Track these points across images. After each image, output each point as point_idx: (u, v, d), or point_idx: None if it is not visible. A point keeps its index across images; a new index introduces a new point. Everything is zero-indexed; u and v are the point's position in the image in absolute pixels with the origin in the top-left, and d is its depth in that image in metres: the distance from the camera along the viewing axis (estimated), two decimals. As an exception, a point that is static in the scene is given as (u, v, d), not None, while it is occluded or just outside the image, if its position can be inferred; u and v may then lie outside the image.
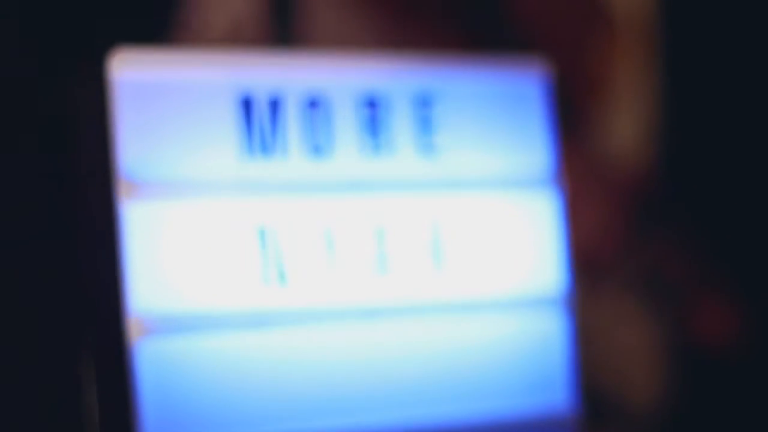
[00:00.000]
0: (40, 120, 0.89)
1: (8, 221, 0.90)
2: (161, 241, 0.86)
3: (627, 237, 1.69)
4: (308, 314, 0.90)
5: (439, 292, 0.95)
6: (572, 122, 1.41)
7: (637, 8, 1.85)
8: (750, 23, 1.85)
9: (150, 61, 0.87)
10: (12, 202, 0.90)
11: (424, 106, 0.96)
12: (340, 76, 0.93)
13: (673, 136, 1.84)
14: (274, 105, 0.91)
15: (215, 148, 0.89)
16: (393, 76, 0.95)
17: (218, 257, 0.88)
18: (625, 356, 1.79)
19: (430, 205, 0.95)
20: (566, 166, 1.01)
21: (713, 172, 1.83)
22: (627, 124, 1.83)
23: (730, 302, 1.73)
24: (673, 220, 1.75)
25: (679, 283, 1.71)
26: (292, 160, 0.91)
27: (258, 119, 0.90)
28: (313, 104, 0.92)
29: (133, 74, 0.86)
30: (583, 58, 1.73)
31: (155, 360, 0.85)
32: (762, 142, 1.81)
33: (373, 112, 0.94)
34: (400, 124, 0.95)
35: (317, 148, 0.92)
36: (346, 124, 0.93)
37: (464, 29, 1.66)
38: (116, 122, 0.85)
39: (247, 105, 0.90)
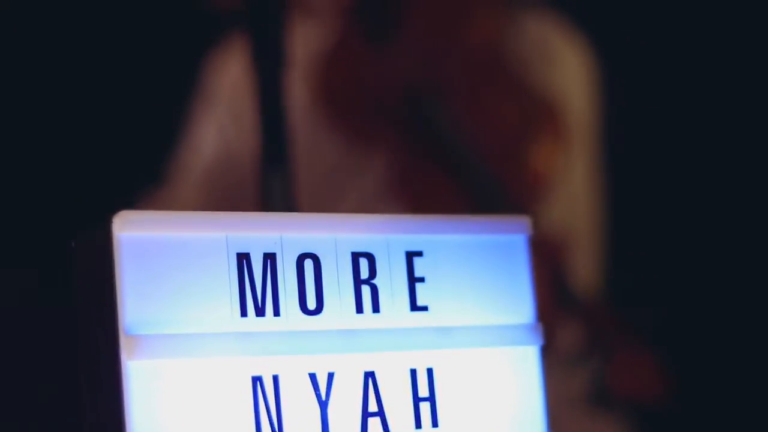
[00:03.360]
0: (46, 278, 0.91)
1: (13, 374, 0.92)
2: (161, 395, 0.88)
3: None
4: (303, 466, 0.92)
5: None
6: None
7: (584, 113, 1.91)
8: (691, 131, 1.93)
9: (150, 221, 0.91)
10: (17, 356, 0.92)
11: (413, 262, 0.99)
12: (332, 235, 0.96)
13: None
14: (269, 262, 0.94)
15: (212, 304, 0.91)
16: (384, 234, 0.98)
17: (215, 410, 0.89)
18: None
19: (422, 357, 0.97)
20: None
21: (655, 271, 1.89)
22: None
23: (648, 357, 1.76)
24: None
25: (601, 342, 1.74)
26: (287, 316, 0.94)
27: (253, 276, 0.93)
28: (307, 261, 0.95)
29: (135, 234, 0.89)
30: (533, 164, 1.78)
31: None
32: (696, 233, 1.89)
33: (364, 268, 0.97)
34: (391, 279, 0.98)
35: (311, 304, 0.95)
36: (339, 279, 0.96)
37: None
38: (119, 280, 0.88)
39: (242, 262, 0.93)
